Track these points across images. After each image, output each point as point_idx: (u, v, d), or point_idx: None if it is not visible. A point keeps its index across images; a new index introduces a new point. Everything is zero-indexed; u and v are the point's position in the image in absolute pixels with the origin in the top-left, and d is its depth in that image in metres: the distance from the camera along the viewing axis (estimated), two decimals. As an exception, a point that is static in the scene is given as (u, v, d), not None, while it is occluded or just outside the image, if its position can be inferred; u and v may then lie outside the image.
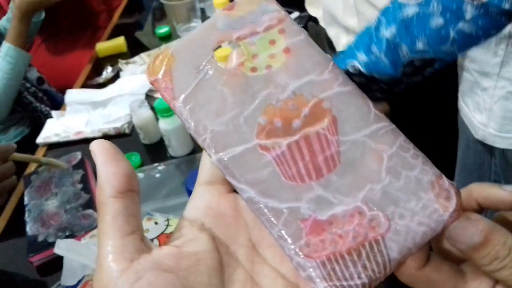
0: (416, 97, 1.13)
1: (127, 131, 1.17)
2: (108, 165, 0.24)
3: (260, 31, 0.27)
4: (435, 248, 0.27)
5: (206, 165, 0.27)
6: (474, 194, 0.27)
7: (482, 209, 0.27)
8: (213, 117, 0.25)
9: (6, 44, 1.37)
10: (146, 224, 0.79)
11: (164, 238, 0.76)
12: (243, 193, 0.24)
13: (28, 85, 1.50)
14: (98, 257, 0.22)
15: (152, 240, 0.76)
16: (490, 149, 0.80)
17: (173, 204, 0.91)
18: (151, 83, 0.26)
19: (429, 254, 0.24)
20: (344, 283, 0.22)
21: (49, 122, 1.26)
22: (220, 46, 0.27)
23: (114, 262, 0.22)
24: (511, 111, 0.75)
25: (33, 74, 1.57)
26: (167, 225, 0.78)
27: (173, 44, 0.27)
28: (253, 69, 0.26)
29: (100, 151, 0.24)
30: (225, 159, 0.24)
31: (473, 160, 0.84)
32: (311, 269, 0.22)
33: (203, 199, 0.26)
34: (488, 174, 0.82)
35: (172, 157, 1.05)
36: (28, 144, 1.25)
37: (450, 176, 0.92)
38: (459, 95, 0.85)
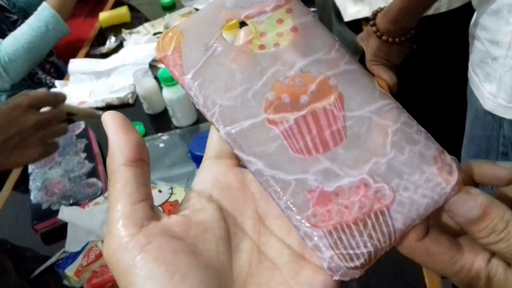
0: (425, 68, 1.11)
1: (130, 101, 1.16)
2: (119, 134, 0.24)
3: (268, 11, 0.27)
4: (434, 221, 0.27)
5: (214, 139, 0.28)
6: (469, 170, 0.27)
7: (477, 185, 0.27)
8: (222, 92, 0.26)
9: (44, 4, 1.32)
10: (150, 192, 0.79)
11: (168, 206, 0.76)
12: (251, 166, 0.25)
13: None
14: (108, 222, 0.23)
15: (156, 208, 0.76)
16: (499, 121, 0.79)
17: (177, 173, 0.90)
18: (160, 60, 0.27)
19: (429, 227, 0.25)
20: (351, 252, 0.23)
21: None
22: None
23: (124, 228, 0.22)
24: None
25: None
26: (171, 193, 0.78)
27: (182, 23, 0.28)
28: (261, 47, 0.26)
29: (111, 121, 0.24)
30: (234, 133, 0.25)
31: (481, 132, 0.82)
32: (317, 238, 0.23)
33: (211, 172, 0.27)
34: (496, 146, 0.81)
35: (176, 127, 1.04)
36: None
37: (458, 147, 0.90)
38: (469, 65, 0.84)
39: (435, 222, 0.27)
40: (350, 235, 0.23)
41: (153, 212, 0.23)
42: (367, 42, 1.01)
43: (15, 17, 1.44)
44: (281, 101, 0.25)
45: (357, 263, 0.23)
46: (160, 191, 0.79)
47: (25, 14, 1.46)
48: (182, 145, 0.97)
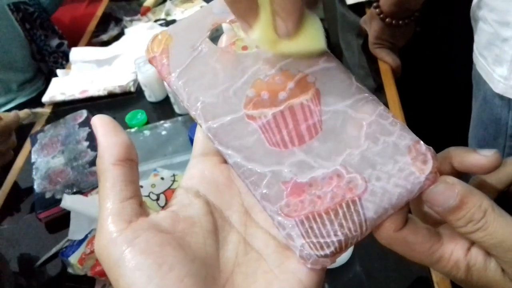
0: (429, 51, 1.09)
1: (132, 89, 1.15)
2: (107, 136, 0.25)
3: None
4: (415, 211, 0.28)
5: (200, 138, 0.29)
6: (450, 158, 0.27)
7: (458, 173, 0.27)
8: (205, 90, 0.27)
9: None
10: (153, 179, 0.79)
11: (171, 193, 0.76)
12: (229, 159, 0.25)
13: (50, 50, 1.50)
14: (99, 219, 0.24)
15: (158, 195, 0.76)
16: (508, 103, 0.77)
17: (180, 160, 0.90)
18: (149, 61, 0.28)
19: (408, 217, 0.25)
20: (321, 240, 0.23)
21: (54, 81, 1.25)
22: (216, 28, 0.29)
23: (113, 224, 0.23)
24: None
25: (54, 42, 1.54)
26: (173, 181, 0.78)
27: (171, 26, 0.29)
28: (244, 48, 0.28)
29: (100, 124, 0.25)
30: (214, 127, 0.26)
31: (489, 115, 0.81)
32: (290, 227, 0.24)
33: (198, 169, 0.28)
34: (504, 129, 0.79)
35: (178, 115, 1.04)
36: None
37: (464, 131, 0.89)
38: (475, 47, 0.82)
39: (416, 212, 0.28)
40: (321, 224, 0.23)
41: (141, 209, 0.24)
42: (370, 24, 1.00)
43: (31, 9, 1.44)
44: (260, 97, 0.26)
45: (327, 251, 0.23)
46: (162, 178, 0.79)
47: (43, 9, 1.46)
48: (184, 132, 0.96)
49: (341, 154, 0.25)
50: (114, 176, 0.24)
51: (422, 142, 0.25)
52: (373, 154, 0.24)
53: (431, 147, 0.25)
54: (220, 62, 0.27)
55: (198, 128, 0.29)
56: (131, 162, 0.25)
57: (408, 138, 0.25)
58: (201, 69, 0.27)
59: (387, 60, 0.99)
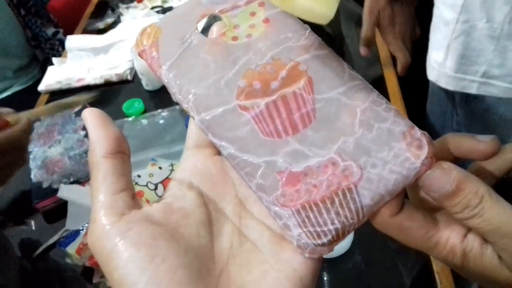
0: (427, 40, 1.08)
1: (129, 77, 1.14)
2: (98, 129, 0.25)
3: (241, 5, 0.29)
4: (412, 197, 0.28)
5: (193, 130, 0.29)
6: (447, 144, 0.27)
7: (457, 159, 0.27)
8: (196, 82, 0.27)
9: None
10: (151, 169, 0.78)
11: (169, 182, 0.75)
12: (224, 150, 0.25)
13: (45, 36, 1.48)
14: (92, 213, 0.24)
15: (156, 184, 0.75)
16: (452, 97, 0.74)
17: (178, 150, 0.89)
18: (139, 55, 0.28)
19: (404, 202, 0.25)
20: (318, 229, 0.23)
21: (50, 69, 1.24)
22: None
23: (105, 216, 0.23)
24: (471, 49, 0.67)
25: (49, 31, 1.53)
26: (171, 170, 0.77)
27: (160, 19, 0.29)
28: (234, 38, 0.28)
29: (90, 117, 0.25)
30: (207, 119, 0.26)
31: (437, 107, 0.78)
32: (286, 217, 0.24)
33: (191, 161, 0.28)
34: (450, 123, 0.77)
35: (176, 103, 1.03)
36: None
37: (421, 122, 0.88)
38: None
39: (413, 197, 0.28)
40: (318, 213, 0.23)
41: (134, 201, 0.24)
42: (384, 12, 0.95)
43: None
44: (252, 87, 0.26)
45: (325, 240, 0.23)
46: (160, 168, 0.78)
47: None
48: (182, 121, 0.96)
49: (335, 142, 0.25)
50: (105, 169, 0.24)
51: (416, 127, 0.24)
52: (367, 141, 0.24)
53: (426, 132, 0.24)
54: (211, 53, 0.27)
55: (191, 120, 0.29)
56: (122, 154, 0.25)
57: (402, 124, 0.25)
58: (191, 61, 0.27)
59: (398, 56, 0.92)
